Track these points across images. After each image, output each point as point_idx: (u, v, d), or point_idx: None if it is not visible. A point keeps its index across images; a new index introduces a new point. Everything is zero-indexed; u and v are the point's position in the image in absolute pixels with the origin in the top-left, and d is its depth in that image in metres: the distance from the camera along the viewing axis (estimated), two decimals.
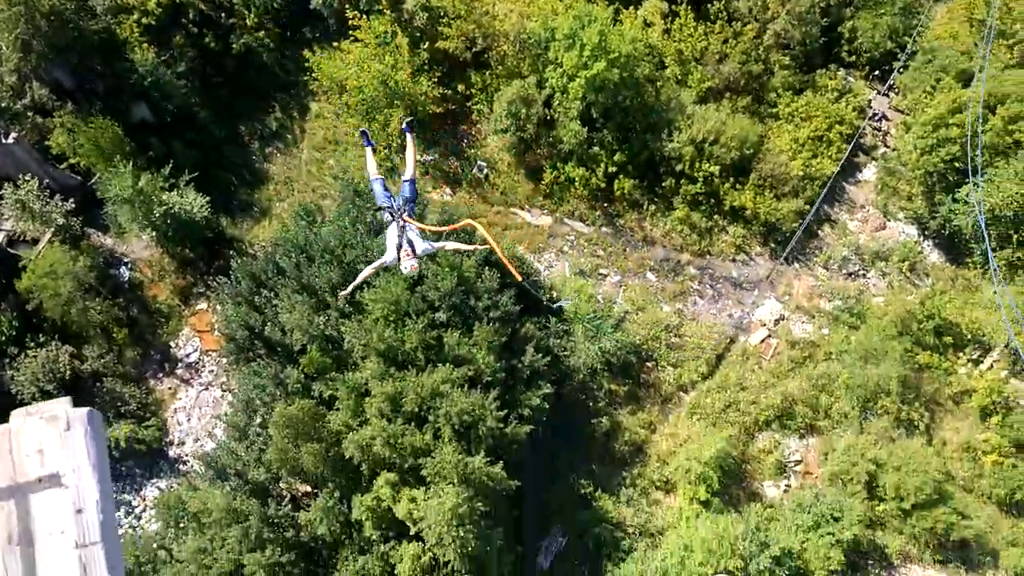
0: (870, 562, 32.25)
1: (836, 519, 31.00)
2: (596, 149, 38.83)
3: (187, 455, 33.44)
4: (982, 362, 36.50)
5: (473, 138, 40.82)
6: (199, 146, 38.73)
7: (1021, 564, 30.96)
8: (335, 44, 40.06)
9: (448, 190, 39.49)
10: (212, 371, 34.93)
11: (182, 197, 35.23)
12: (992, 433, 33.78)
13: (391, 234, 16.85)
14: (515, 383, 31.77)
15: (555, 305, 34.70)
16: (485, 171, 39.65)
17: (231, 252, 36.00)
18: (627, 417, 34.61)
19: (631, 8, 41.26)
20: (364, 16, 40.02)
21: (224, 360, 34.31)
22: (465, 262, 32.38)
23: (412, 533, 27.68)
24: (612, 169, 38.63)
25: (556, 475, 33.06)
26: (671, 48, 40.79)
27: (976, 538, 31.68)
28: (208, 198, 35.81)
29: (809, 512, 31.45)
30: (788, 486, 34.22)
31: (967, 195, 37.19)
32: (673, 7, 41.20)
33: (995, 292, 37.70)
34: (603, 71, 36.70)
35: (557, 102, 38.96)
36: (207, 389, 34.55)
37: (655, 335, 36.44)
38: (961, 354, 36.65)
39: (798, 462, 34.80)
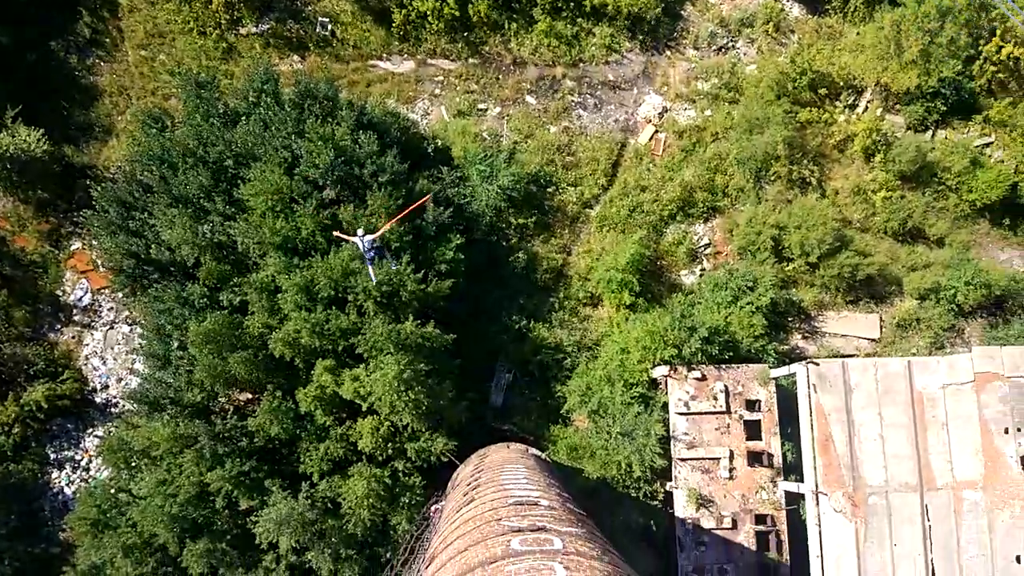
0: (789, 319, 34.76)
1: (751, 288, 32.96)
2: None
3: (115, 397, 32.55)
4: (857, 106, 38.06)
5: None
6: (12, 75, 34.85)
7: (922, 284, 33.92)
8: None
9: (296, 57, 37.03)
10: (111, 308, 33.36)
11: (13, 136, 32.06)
12: (878, 171, 35.77)
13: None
14: (424, 241, 31.53)
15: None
16: (329, 27, 37.19)
17: (88, 182, 33.42)
18: (541, 246, 35.08)
19: None
20: None
21: (119, 294, 32.70)
22: (337, 130, 31.04)
23: (365, 409, 28.19)
24: None
25: (488, 317, 33.70)
26: None
27: (880, 272, 34.27)
28: (42, 130, 32.69)
29: (726, 288, 33.26)
30: (703, 270, 35.91)
31: None
32: None
33: (858, 33, 38.83)
34: None
35: None
36: (112, 327, 33.13)
37: (549, 159, 36.33)
38: (837, 103, 38.01)
39: (707, 245, 36.36)
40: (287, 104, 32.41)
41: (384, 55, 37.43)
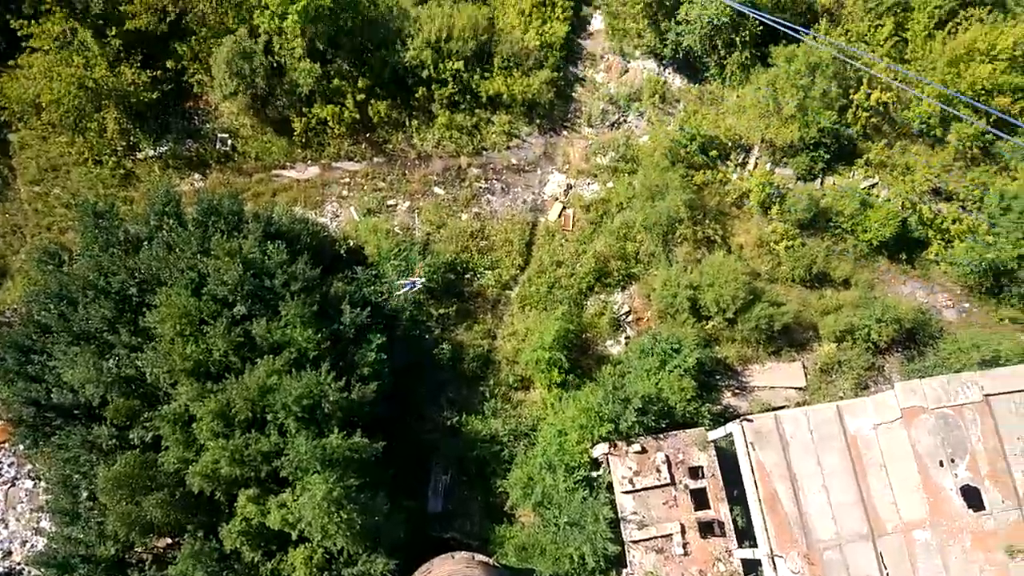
0: (718, 377, 32.64)
1: (677, 351, 30.76)
2: (337, 81, 34.58)
3: (19, 564, 27.72)
4: (747, 163, 36.99)
5: (204, 112, 35.11)
6: None
7: (837, 326, 32.35)
8: (12, 63, 32.65)
9: (197, 176, 33.99)
10: (11, 464, 28.83)
11: None
12: (776, 222, 34.53)
13: None
14: (344, 346, 28.41)
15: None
16: (229, 142, 34.40)
17: None
18: (465, 334, 32.32)
19: None
20: (33, 22, 32.74)
21: (20, 447, 28.26)
22: (244, 244, 28.01)
23: (295, 538, 24.47)
24: (360, 97, 34.63)
25: (418, 416, 30.50)
26: None
27: (795, 320, 32.67)
28: None
29: (653, 354, 31.01)
30: (628, 338, 33.68)
31: (686, 14, 36.54)
32: None
33: (737, 96, 38.10)
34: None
35: (278, 46, 34.00)
36: (13, 484, 28.57)
37: (463, 246, 33.91)
38: (728, 162, 36.90)
39: (628, 313, 34.24)
40: (191, 224, 29.37)
41: (288, 163, 34.77)
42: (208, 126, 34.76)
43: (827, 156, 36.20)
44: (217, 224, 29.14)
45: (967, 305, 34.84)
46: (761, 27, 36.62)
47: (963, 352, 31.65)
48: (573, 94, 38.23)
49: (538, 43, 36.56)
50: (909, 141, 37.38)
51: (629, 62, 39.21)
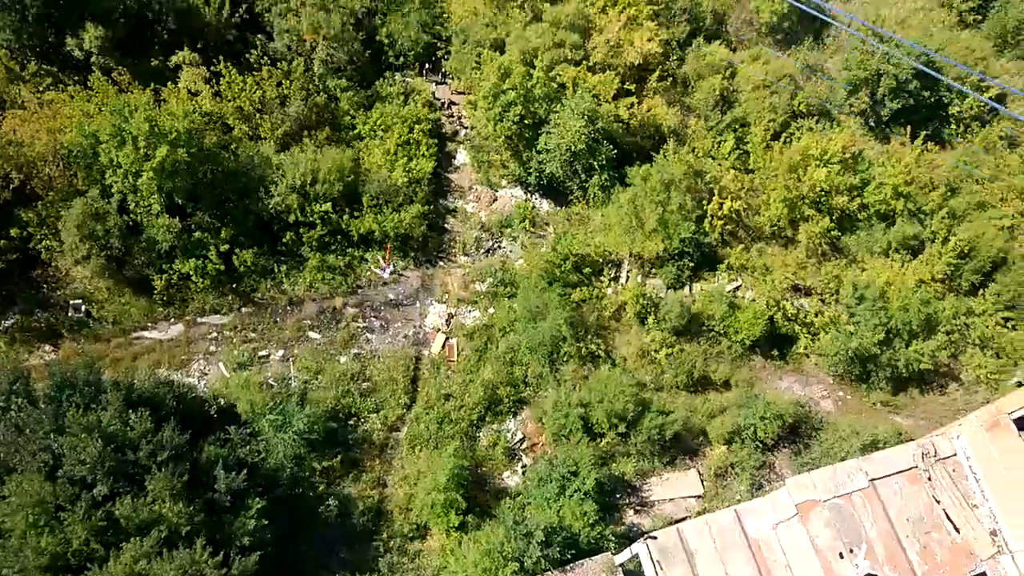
0: (618, 496, 32.94)
1: (575, 474, 30.95)
2: (198, 234, 34.36)
3: None
4: (619, 277, 38.98)
5: (54, 279, 33.83)
6: None
7: (724, 429, 33.67)
8: None
9: (48, 347, 32.32)
10: None
11: None
12: (654, 332, 36.19)
13: None
14: (219, 516, 26.89)
15: None
16: (83, 308, 33.12)
17: None
18: (353, 485, 31.35)
19: (170, 84, 36.76)
20: None
21: None
22: (103, 416, 26.54)
23: None
24: (224, 247, 34.45)
25: None
26: (229, 108, 37.24)
27: (684, 427, 33.75)
28: None
29: (551, 480, 31.03)
30: (524, 466, 33.66)
31: (545, 144, 39.08)
32: (212, 68, 37.47)
33: (602, 215, 40.52)
34: (169, 155, 32.25)
35: (133, 204, 33.63)
36: None
37: (344, 390, 33.45)
38: (602, 278, 38.77)
39: (522, 440, 34.38)
40: (42, 401, 27.67)
41: (149, 324, 33.75)
42: (59, 293, 33.45)
43: (691, 264, 38.68)
44: (72, 398, 27.61)
45: (841, 394, 37.21)
46: (616, 151, 39.69)
47: (844, 440, 33.51)
48: (446, 225, 39.56)
49: (405, 180, 37.91)
50: (764, 243, 40.65)
51: (497, 191, 41.19)
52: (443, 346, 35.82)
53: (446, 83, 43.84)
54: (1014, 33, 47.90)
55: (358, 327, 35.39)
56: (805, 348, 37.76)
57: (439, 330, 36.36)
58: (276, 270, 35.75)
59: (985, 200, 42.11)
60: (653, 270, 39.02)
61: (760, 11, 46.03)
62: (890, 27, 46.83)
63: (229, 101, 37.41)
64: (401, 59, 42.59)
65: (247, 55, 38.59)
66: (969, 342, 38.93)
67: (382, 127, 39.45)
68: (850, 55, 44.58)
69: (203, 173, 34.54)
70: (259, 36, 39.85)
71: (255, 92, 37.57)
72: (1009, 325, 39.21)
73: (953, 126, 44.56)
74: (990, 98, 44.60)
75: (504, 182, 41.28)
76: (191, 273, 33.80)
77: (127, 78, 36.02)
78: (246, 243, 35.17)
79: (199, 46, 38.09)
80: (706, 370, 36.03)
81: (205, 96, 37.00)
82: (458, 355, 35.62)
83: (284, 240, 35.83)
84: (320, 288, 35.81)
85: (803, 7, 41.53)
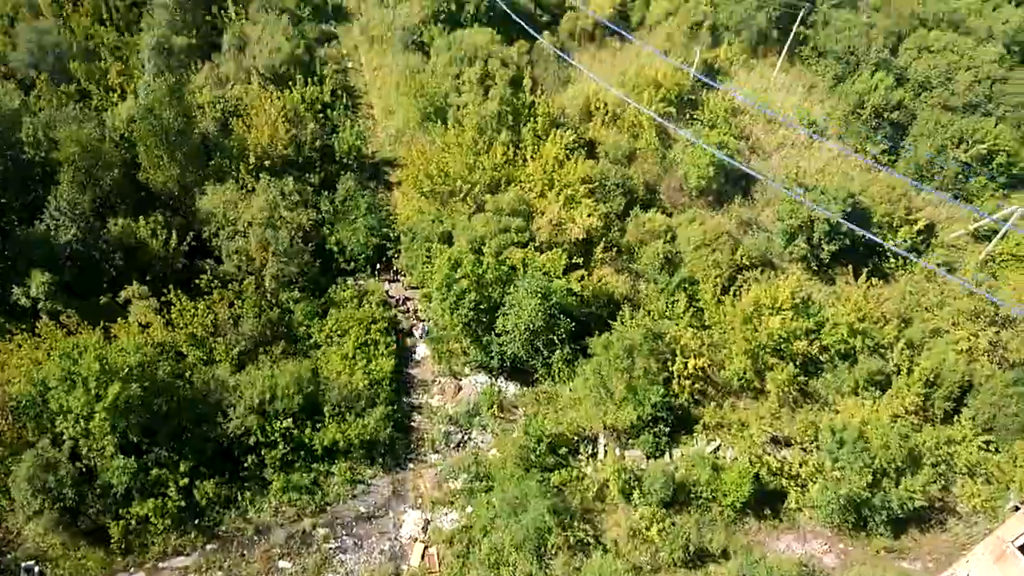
0: None
1: None
2: (156, 471, 33.47)
3: None
4: (597, 453, 38.68)
5: (5, 541, 32.19)
6: None
7: None
8: None
9: None
10: None
11: None
12: (641, 507, 35.50)
13: None
14: None
15: None
16: (36, 569, 31.37)
17: None
18: None
19: (120, 320, 37.14)
20: None
21: None
22: None
23: None
24: (184, 481, 33.51)
25: None
26: (182, 336, 37.59)
27: None
28: None
29: None
30: None
31: (503, 325, 39.94)
32: (163, 298, 38.13)
33: (570, 389, 40.83)
34: (122, 392, 31.99)
35: (86, 448, 32.84)
36: None
37: None
38: (580, 457, 38.41)
39: None
40: None
41: None
42: (10, 556, 31.69)
43: (667, 429, 38.74)
44: None
45: (842, 546, 36.40)
46: (574, 325, 40.69)
47: None
48: (412, 423, 39.34)
49: (367, 383, 38.01)
50: (735, 398, 41.19)
51: (461, 380, 41.44)
52: (423, 557, 34.45)
53: (399, 280, 45.21)
54: (928, 168, 51.88)
55: (330, 549, 33.98)
56: (796, 502, 37.27)
57: (416, 539, 35.11)
58: (240, 498, 34.71)
59: (939, 326, 43.72)
60: (630, 441, 38.90)
61: (688, 176, 49.25)
62: (812, 177, 50.49)
63: (181, 328, 37.82)
64: (352, 263, 44.08)
65: (197, 280, 39.45)
66: (956, 471, 38.99)
67: (338, 332, 40.06)
68: (780, 207, 47.51)
69: (158, 406, 34.20)
70: (208, 261, 41.10)
71: (207, 316, 38.13)
72: (991, 448, 39.55)
73: (892, 260, 46.96)
74: (919, 230, 47.64)
75: (467, 369, 41.65)
76: (150, 515, 32.59)
77: (76, 319, 36.36)
78: (206, 473, 34.32)
79: (148, 278, 38.96)
80: (701, 542, 35.13)
81: (156, 327, 37.37)
82: (440, 565, 34.18)
83: (246, 464, 35.07)
84: (286, 511, 34.72)
85: (730, 160, 44.60)
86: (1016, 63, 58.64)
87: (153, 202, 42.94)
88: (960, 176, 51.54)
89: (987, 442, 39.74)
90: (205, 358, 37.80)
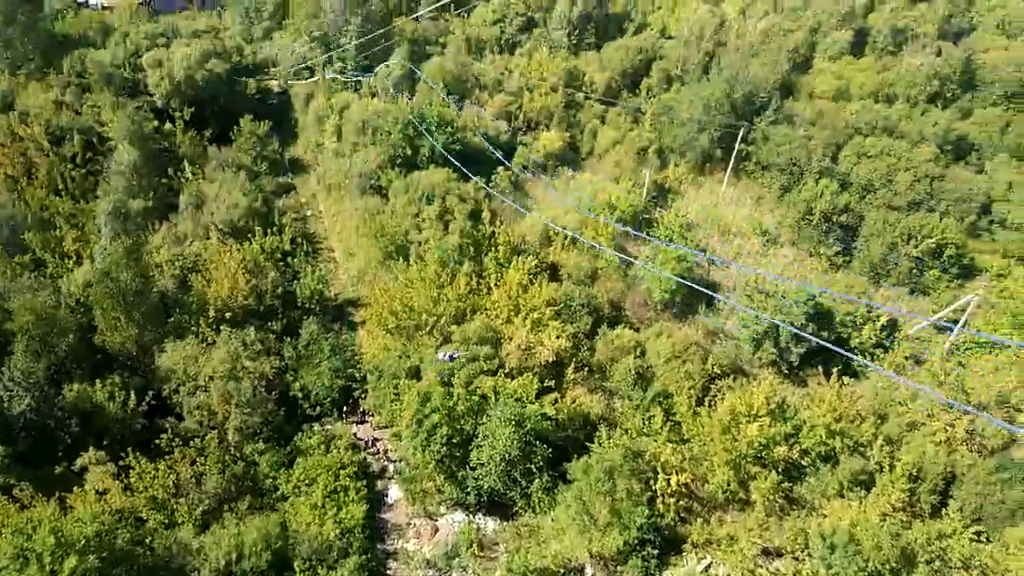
0: None
1: None
2: None
3: None
4: None
5: None
6: None
7: None
8: None
9: None
10: None
11: None
12: None
13: None
14: None
15: None
16: None
17: None
18: None
19: (76, 488, 36.28)
20: None
21: None
22: None
23: None
24: None
25: None
26: (142, 500, 36.69)
27: None
28: None
29: None
30: None
31: (478, 457, 39.56)
32: (121, 462, 37.47)
33: (552, 519, 40.03)
34: (78, 565, 30.89)
35: None
36: None
37: None
38: None
39: None
40: None
41: None
42: None
43: (655, 551, 37.83)
44: None
45: None
46: (551, 450, 40.43)
47: None
48: (388, 572, 38.01)
49: (338, 532, 37.04)
50: (721, 511, 40.59)
51: (437, 520, 40.54)
52: None
53: (367, 422, 44.97)
54: (882, 265, 54.01)
55: None
56: None
57: None
58: None
59: (914, 420, 44.15)
60: (618, 567, 37.86)
61: (651, 292, 50.64)
62: (772, 282, 52.13)
63: (141, 492, 36.96)
64: (318, 408, 43.96)
65: (157, 440, 38.93)
66: (951, 566, 38.22)
67: (306, 481, 39.40)
68: (745, 314, 48.78)
69: None
70: (169, 419, 40.76)
71: (168, 477, 37.39)
72: (983, 538, 39.05)
73: (860, 357, 47.90)
74: (882, 326, 48.97)
75: (443, 508, 40.81)
76: None
77: (29, 492, 35.46)
78: None
79: (106, 442, 38.47)
80: None
81: (114, 492, 36.53)
82: None
83: None
84: None
85: (690, 284, 46.02)
86: (951, 161, 62.67)
87: (110, 364, 43.01)
88: (914, 271, 53.74)
89: (978, 532, 39.29)
90: (167, 521, 36.74)
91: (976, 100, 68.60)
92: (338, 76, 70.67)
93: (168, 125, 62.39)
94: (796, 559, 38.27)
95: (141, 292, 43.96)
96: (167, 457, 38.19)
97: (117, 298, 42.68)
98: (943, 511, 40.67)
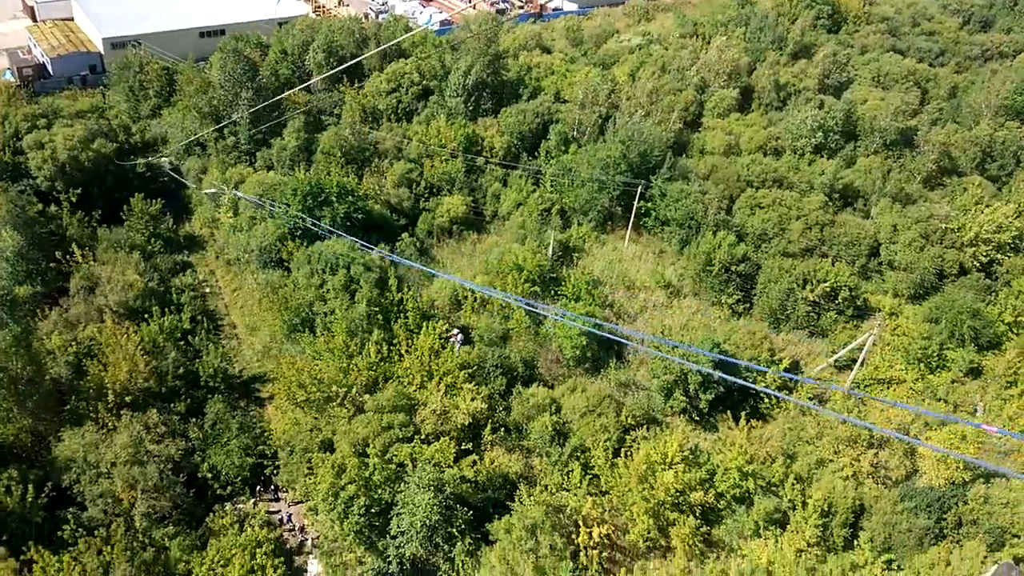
0: None
1: None
2: None
3: None
4: None
5: None
6: None
7: None
8: None
9: None
10: None
11: None
12: None
13: None
14: None
15: None
16: None
17: None
18: None
19: None
20: None
21: None
22: None
23: None
24: None
25: None
26: None
27: None
28: None
29: None
30: None
31: (399, 525, 41.74)
32: (22, 556, 37.99)
33: None
34: None
35: None
36: None
37: None
38: None
39: None
40: None
41: None
42: None
43: None
44: None
45: None
46: (471, 512, 43.02)
47: None
48: None
49: None
50: (644, 559, 43.89)
51: None
52: None
53: (280, 499, 46.57)
54: (781, 310, 59.79)
55: None
56: None
57: None
58: None
59: (822, 457, 49.02)
60: None
61: (563, 349, 54.59)
62: (677, 333, 57.01)
63: None
64: (229, 488, 45.32)
65: (60, 532, 39.60)
66: None
67: (221, 563, 40.63)
68: (654, 364, 53.21)
69: None
70: (71, 509, 41.41)
71: (74, 569, 38.07)
72: (894, 567, 43.66)
73: (766, 400, 52.85)
74: (785, 368, 54.22)
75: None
76: None
77: None
78: None
79: (5, 537, 38.87)
80: None
81: None
82: None
83: None
84: None
85: (602, 334, 50.19)
86: (839, 207, 70.05)
87: (4, 457, 43.45)
88: (811, 314, 59.72)
89: (888, 561, 43.98)
90: None
91: (859, 149, 77.06)
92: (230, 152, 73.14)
93: (54, 208, 63.55)
94: None
95: (33, 380, 44.82)
96: (71, 549, 38.91)
97: (7, 387, 43.47)
98: (855, 543, 45.28)
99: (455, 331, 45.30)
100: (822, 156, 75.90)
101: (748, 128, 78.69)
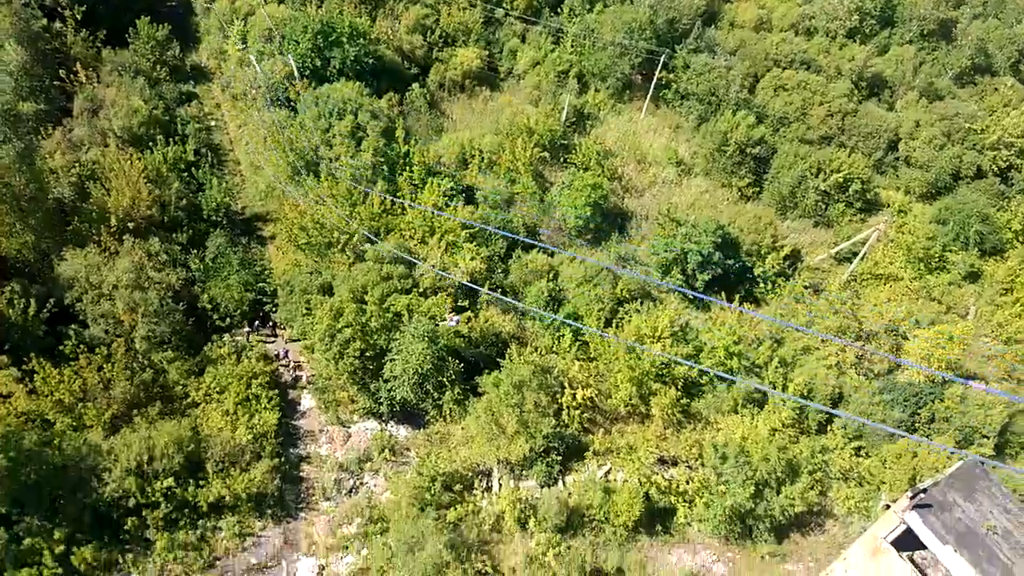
0: None
1: None
2: (29, 540, 35.43)
3: None
4: (492, 486, 43.07)
5: None
6: None
7: None
8: None
9: None
10: None
11: None
12: (538, 534, 40.00)
13: None
14: None
15: None
16: None
17: None
18: None
19: None
20: None
21: None
22: None
23: None
24: (60, 549, 35.58)
25: None
26: (47, 403, 39.89)
27: None
28: None
29: None
30: None
31: (391, 371, 44.17)
32: (24, 367, 40.42)
33: (462, 428, 45.24)
34: None
35: None
36: None
37: None
38: (474, 492, 42.67)
39: None
40: None
41: None
42: None
43: (559, 458, 43.68)
44: None
45: (730, 555, 41.97)
46: (463, 365, 45.40)
47: None
48: (301, 474, 42.63)
49: (250, 437, 41.25)
50: (622, 423, 46.69)
51: (350, 428, 45.21)
52: None
53: (278, 335, 48.86)
54: (791, 198, 60.52)
55: None
56: (685, 517, 42.71)
57: None
58: (122, 560, 36.90)
59: (809, 344, 51.10)
60: (524, 472, 43.51)
61: (567, 219, 55.71)
62: (683, 211, 57.95)
63: (47, 396, 40.09)
64: (228, 320, 47.46)
65: (61, 347, 41.90)
66: (832, 477, 45.58)
67: (217, 389, 43.20)
68: (655, 242, 54.50)
69: (25, 476, 36.27)
70: (72, 326, 43.56)
71: (75, 382, 40.57)
72: (862, 453, 46.49)
73: (762, 285, 54.48)
74: (785, 256, 55.55)
75: (355, 417, 45.48)
76: None
77: None
78: (84, 539, 36.47)
79: (7, 347, 41.17)
80: (596, 562, 39.82)
81: (19, 396, 39.55)
82: None
83: (126, 527, 37.41)
84: (173, 569, 37.16)
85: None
86: (864, 97, 69.54)
87: (7, 271, 45.29)
88: (820, 204, 60.52)
89: (858, 448, 46.80)
90: (75, 424, 40.12)
91: (894, 36, 75.65)
92: None
93: (58, 24, 62.99)
94: (690, 467, 44.80)
95: (35, 198, 46.07)
96: (72, 363, 41.31)
97: (10, 203, 44.77)
98: (828, 427, 48.01)
99: (451, 313, 46.37)
100: (855, 41, 74.64)
101: (783, 3, 76.91)
